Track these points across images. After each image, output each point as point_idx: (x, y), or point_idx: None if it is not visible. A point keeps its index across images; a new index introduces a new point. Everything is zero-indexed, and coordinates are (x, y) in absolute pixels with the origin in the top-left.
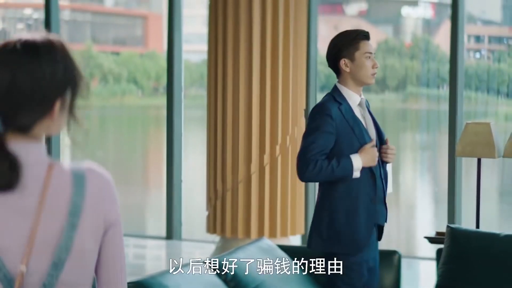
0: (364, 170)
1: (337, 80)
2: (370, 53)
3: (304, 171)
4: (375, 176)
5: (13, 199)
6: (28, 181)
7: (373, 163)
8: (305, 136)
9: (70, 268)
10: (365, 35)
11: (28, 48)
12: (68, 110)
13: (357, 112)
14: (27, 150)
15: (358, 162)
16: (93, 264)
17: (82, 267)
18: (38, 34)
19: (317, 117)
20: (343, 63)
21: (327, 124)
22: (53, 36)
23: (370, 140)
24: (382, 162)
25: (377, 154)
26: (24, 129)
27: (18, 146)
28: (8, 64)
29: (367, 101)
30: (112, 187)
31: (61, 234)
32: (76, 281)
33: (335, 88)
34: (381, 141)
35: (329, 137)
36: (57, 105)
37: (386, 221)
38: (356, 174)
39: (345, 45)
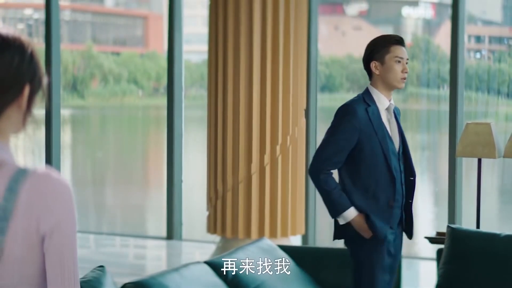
0: (384, 174)
1: (369, 82)
2: (401, 58)
3: (314, 175)
4: (395, 181)
5: None
6: None
7: (360, 232)
8: (326, 134)
9: (3, 272)
10: (397, 40)
11: None
12: (26, 105)
13: (384, 116)
14: None
15: (351, 214)
16: (35, 271)
17: (15, 272)
18: (7, 29)
19: (338, 118)
20: (374, 65)
21: (346, 125)
22: (20, 34)
23: (393, 145)
24: (405, 170)
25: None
26: None
27: None
28: None
29: (397, 108)
30: (58, 193)
31: None
32: (10, 286)
33: (366, 90)
34: (405, 149)
35: (346, 139)
36: (26, 92)
37: (403, 225)
38: (341, 220)
39: (377, 48)
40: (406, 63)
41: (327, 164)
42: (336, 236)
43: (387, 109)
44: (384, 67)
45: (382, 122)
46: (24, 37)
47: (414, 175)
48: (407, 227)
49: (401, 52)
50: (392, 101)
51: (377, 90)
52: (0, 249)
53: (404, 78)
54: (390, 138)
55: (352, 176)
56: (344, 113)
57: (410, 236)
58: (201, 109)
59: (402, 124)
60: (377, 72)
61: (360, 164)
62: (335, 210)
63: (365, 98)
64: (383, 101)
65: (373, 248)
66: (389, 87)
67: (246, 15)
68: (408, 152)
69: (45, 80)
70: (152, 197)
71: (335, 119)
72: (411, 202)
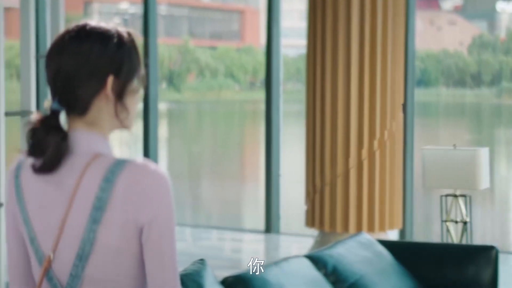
0: None
1: None
2: None
3: None
4: None
5: (53, 185)
6: (68, 169)
7: None
8: None
9: (95, 262)
10: None
11: (80, 29)
12: (117, 95)
13: None
14: (78, 137)
15: None
16: (131, 262)
17: (110, 263)
18: (101, 22)
19: None
20: None
21: None
22: (114, 25)
23: None
24: None
25: None
26: (80, 112)
27: (72, 132)
28: (58, 47)
29: None
30: (157, 185)
31: (84, 227)
32: (105, 278)
33: None
34: None
35: None
36: (109, 82)
37: None
38: None
39: None
40: None
41: None
42: None
43: None
44: None
45: None
46: (114, 28)
47: None
48: None
49: None
50: None
51: None
52: (93, 239)
53: None
54: None
55: None
56: None
57: None
58: (297, 104)
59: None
60: None
61: None
62: None
63: None
64: None
65: None
66: None
67: (344, 9)
68: None
69: (141, 72)
70: (248, 191)
71: None
72: None
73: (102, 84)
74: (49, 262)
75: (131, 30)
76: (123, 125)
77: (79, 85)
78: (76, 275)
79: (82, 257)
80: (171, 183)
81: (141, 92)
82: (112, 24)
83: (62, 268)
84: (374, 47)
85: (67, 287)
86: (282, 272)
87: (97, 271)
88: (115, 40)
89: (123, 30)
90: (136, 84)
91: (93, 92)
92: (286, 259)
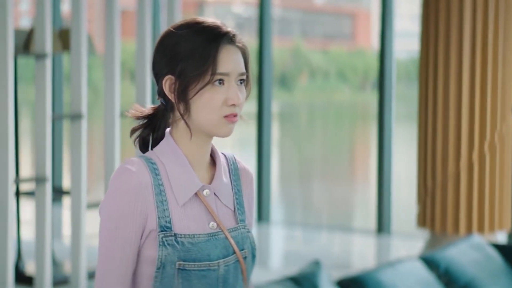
0: None
1: None
2: None
3: None
4: None
5: None
6: None
7: None
8: None
9: None
10: None
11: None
12: (178, 96)
13: None
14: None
15: None
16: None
17: None
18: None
19: None
20: None
21: None
22: (229, 27)
23: None
24: None
25: None
26: (167, 109)
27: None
28: None
29: None
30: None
31: None
32: None
33: None
34: None
35: None
36: (164, 81)
37: None
38: None
39: None
40: None
41: None
42: None
43: None
44: None
45: None
46: (196, 23)
47: None
48: None
49: None
50: None
51: None
52: None
53: None
54: None
55: None
56: None
57: None
58: (405, 106)
59: None
60: None
61: None
62: None
63: None
64: None
65: None
66: None
67: (456, 13)
68: None
69: (206, 76)
70: (358, 191)
71: None
72: None
73: (160, 86)
74: None
75: (217, 23)
76: (196, 130)
77: (156, 83)
78: None
79: None
80: (282, 183)
81: (213, 95)
82: (201, 18)
83: None
84: (485, 50)
85: None
86: (396, 273)
87: None
88: (182, 35)
89: (211, 23)
90: (202, 84)
91: (160, 91)
92: (400, 260)
